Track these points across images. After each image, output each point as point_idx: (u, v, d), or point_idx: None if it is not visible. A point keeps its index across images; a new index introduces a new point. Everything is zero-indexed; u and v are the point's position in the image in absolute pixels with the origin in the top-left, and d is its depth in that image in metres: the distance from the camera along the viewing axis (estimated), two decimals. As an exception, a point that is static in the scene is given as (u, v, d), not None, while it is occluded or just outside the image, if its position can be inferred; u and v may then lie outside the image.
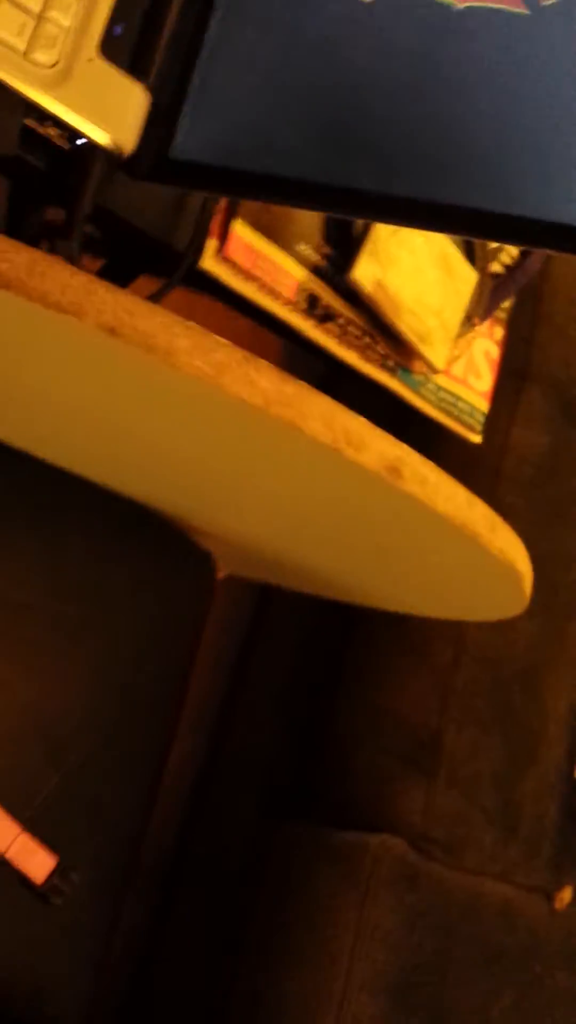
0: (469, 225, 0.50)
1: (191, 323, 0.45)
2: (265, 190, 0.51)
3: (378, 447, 0.50)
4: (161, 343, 0.44)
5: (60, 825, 0.80)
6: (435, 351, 0.64)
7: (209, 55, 0.52)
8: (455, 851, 1.05)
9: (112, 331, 0.43)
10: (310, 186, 0.51)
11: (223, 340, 0.45)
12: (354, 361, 0.63)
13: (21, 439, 0.73)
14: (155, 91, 0.51)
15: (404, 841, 1.03)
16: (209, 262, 0.56)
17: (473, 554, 0.61)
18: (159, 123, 0.51)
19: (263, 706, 1.23)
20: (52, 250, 0.49)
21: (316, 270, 0.61)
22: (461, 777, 1.08)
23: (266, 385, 0.46)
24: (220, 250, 0.57)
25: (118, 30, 0.50)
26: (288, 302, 0.60)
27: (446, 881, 1.03)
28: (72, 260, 0.49)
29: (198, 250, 0.55)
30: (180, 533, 0.89)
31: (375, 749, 1.10)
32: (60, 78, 0.48)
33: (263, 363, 0.46)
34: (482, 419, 0.71)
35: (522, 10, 0.49)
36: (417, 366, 0.66)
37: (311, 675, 1.24)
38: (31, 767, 0.78)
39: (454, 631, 1.12)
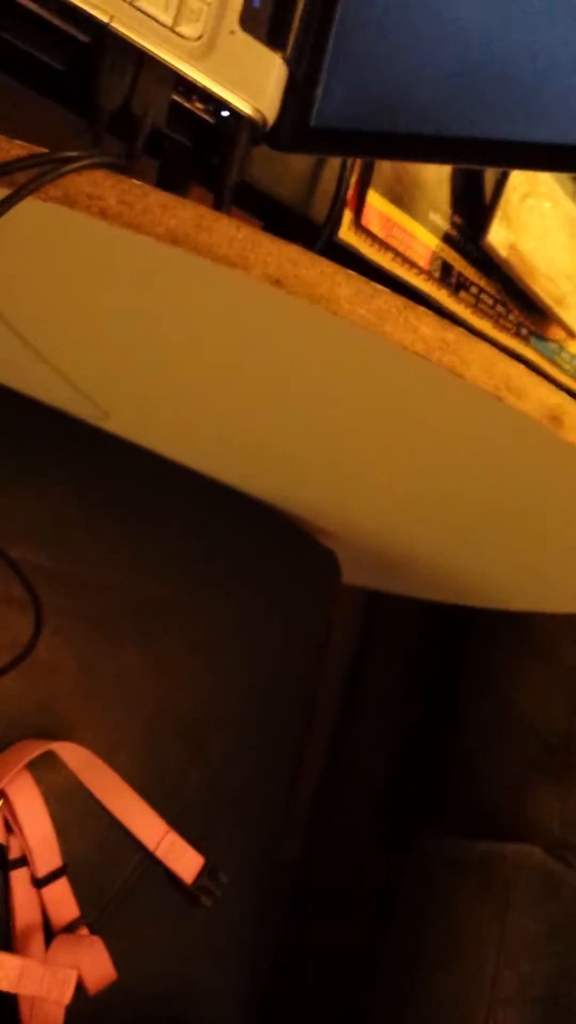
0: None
1: (351, 272, 0.45)
2: (405, 149, 0.52)
3: (539, 394, 0.50)
4: (324, 291, 0.44)
5: (205, 824, 0.79)
6: (572, 314, 0.64)
7: (342, 21, 0.53)
8: (595, 857, 1.02)
9: (277, 282, 0.44)
10: (448, 141, 0.51)
11: (382, 287, 0.46)
12: (488, 330, 0.63)
13: (158, 441, 0.74)
14: (293, 61, 0.52)
15: (541, 849, 1.00)
16: (346, 232, 0.57)
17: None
18: (298, 92, 0.53)
19: (382, 715, 1.21)
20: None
21: (447, 239, 0.61)
22: (596, 781, 1.05)
23: (427, 331, 0.46)
24: (356, 220, 0.57)
25: (256, 3, 0.51)
26: (422, 272, 0.60)
27: (589, 888, 1.00)
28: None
29: (336, 220, 0.56)
30: (306, 534, 0.89)
31: (503, 755, 1.08)
32: (205, 50, 0.49)
33: (422, 310, 0.47)
34: (617, 388, 0.71)
35: None
36: (551, 332, 0.65)
37: (429, 683, 1.22)
38: (174, 765, 0.78)
39: (579, 630, 1.10)
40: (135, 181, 0.43)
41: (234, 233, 0.43)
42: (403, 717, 1.23)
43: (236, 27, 0.51)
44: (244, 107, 0.51)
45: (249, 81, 0.51)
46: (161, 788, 0.77)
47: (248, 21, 0.51)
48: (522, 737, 1.08)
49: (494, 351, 0.48)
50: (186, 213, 0.42)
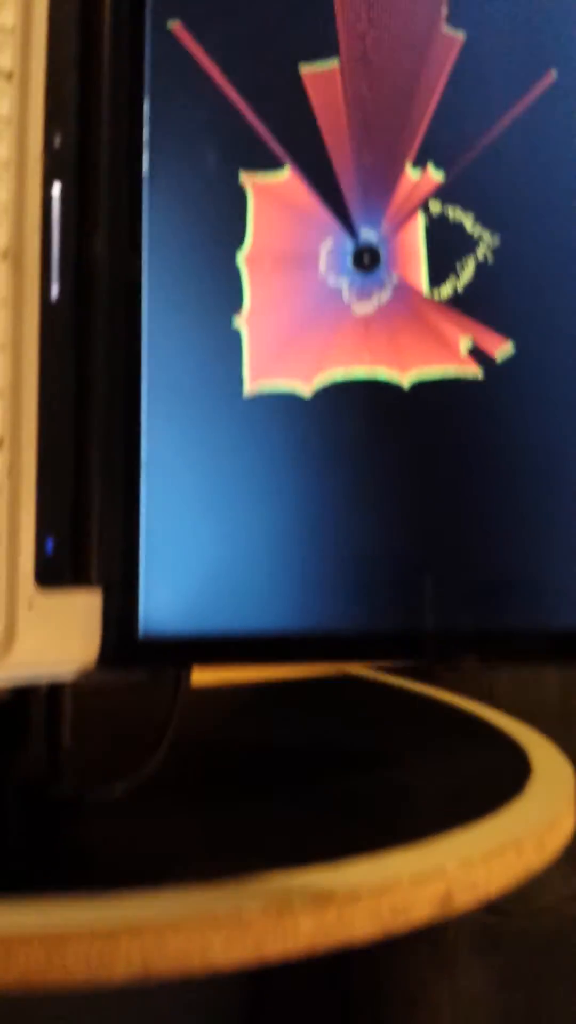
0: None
1: None
2: (241, 651, 0.50)
3: (424, 895, 0.51)
4: None
5: None
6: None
7: (150, 524, 0.49)
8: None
9: None
10: (287, 636, 0.49)
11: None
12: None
13: None
14: (105, 583, 0.48)
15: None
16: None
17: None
18: (117, 611, 0.49)
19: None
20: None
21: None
22: None
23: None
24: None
25: (50, 549, 0.47)
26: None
27: (527, 930, 1.09)
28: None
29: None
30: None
31: None
32: (5, 644, 0.45)
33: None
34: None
35: (476, 373, 0.47)
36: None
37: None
38: None
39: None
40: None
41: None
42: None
43: (33, 590, 0.46)
44: (63, 673, 0.47)
45: (63, 641, 0.47)
46: None
47: (46, 573, 0.47)
48: None
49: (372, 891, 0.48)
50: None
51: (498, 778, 0.64)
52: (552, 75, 0.45)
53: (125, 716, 0.55)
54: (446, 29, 0.46)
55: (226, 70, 0.47)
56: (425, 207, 0.46)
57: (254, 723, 0.64)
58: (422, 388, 0.45)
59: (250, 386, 0.46)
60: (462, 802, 0.58)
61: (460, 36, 0.46)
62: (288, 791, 0.55)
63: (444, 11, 0.46)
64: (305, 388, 0.45)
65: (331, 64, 0.46)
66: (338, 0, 0.47)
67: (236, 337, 0.46)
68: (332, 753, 0.63)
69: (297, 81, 0.46)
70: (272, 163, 0.46)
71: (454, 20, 0.46)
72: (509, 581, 0.45)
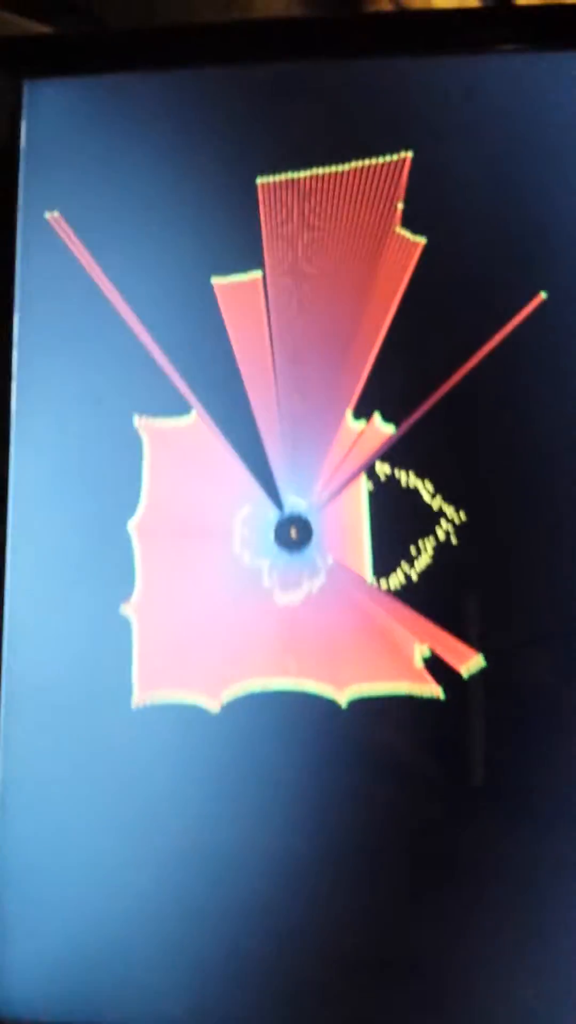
0: None
1: None
2: None
3: None
4: None
5: None
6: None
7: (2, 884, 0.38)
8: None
9: None
10: None
11: None
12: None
13: None
14: None
15: None
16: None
17: None
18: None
19: None
20: None
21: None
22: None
23: None
24: None
25: None
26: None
27: None
28: None
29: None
30: None
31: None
32: None
33: None
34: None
35: (435, 692, 0.35)
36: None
37: None
38: None
39: None
40: None
41: None
42: None
43: None
44: None
45: None
46: None
47: None
48: None
49: None
50: None
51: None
52: (541, 298, 0.33)
53: None
54: (401, 230, 0.34)
55: (115, 278, 0.35)
56: (370, 469, 0.34)
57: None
58: (364, 705, 0.34)
59: (140, 696, 0.34)
60: None
61: (420, 241, 0.34)
62: None
63: (399, 207, 0.34)
64: (212, 703, 0.34)
65: (252, 275, 0.35)
66: (261, 190, 0.35)
67: (124, 628, 0.35)
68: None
69: (208, 295, 0.35)
70: (174, 404, 0.35)
71: (412, 222, 0.34)
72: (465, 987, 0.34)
